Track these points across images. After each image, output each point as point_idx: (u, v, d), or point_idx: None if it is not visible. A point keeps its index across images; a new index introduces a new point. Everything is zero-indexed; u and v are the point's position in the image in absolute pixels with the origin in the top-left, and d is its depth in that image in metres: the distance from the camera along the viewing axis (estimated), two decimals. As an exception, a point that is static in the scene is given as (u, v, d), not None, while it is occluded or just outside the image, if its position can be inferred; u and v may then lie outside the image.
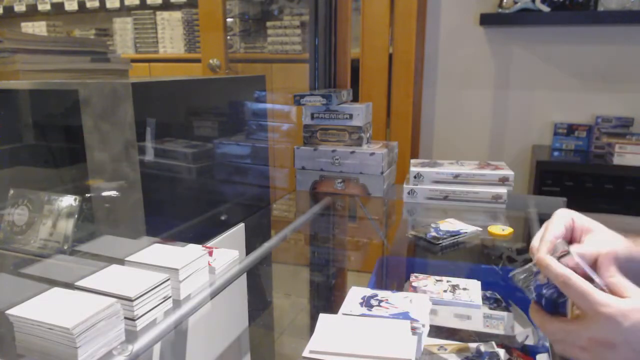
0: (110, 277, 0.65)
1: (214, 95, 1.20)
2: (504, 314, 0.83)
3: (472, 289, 0.81)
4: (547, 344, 0.76)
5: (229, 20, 2.71)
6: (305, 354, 0.54)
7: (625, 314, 0.47)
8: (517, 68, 2.33)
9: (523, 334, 0.82)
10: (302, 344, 0.55)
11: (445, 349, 0.69)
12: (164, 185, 1.01)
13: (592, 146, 2.21)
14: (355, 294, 0.69)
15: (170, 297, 0.66)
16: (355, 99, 1.69)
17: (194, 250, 0.74)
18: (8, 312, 0.55)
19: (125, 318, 0.59)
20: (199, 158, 1.08)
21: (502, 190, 1.16)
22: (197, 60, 2.72)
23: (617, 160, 1.97)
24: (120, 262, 0.70)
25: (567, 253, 0.52)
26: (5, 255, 0.92)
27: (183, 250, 0.74)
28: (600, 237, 0.59)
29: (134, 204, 0.92)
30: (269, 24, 2.68)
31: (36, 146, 1.19)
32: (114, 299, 0.58)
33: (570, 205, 1.21)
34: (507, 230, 1.05)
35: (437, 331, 0.78)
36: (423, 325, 0.61)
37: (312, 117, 1.29)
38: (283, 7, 2.76)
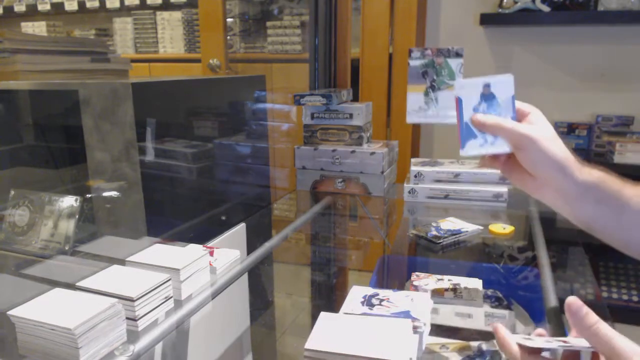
0: (111, 278, 0.65)
1: (214, 95, 1.20)
2: (506, 312, 0.83)
3: (473, 288, 0.82)
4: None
5: (229, 20, 2.71)
6: (308, 347, 0.54)
7: None
8: (517, 68, 2.32)
9: (524, 332, 0.82)
10: (304, 343, 0.55)
11: (447, 348, 0.69)
12: (165, 185, 1.01)
13: (592, 145, 2.20)
14: (356, 293, 0.69)
15: (171, 297, 0.66)
16: (355, 98, 1.69)
17: (195, 250, 0.74)
18: (10, 312, 0.55)
19: (127, 318, 0.59)
20: (199, 158, 1.08)
21: (503, 188, 1.16)
22: (197, 60, 2.72)
23: (617, 159, 1.97)
24: (121, 262, 0.70)
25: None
26: (7, 256, 0.92)
27: (184, 250, 0.74)
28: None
29: (134, 204, 0.92)
30: (269, 24, 2.68)
31: (36, 146, 1.19)
32: (116, 300, 0.58)
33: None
34: (508, 228, 1.05)
35: (438, 330, 0.78)
36: (424, 324, 0.61)
37: (312, 117, 1.29)
38: (283, 7, 2.76)
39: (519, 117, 0.67)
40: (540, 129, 0.63)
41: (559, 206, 0.66)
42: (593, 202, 0.63)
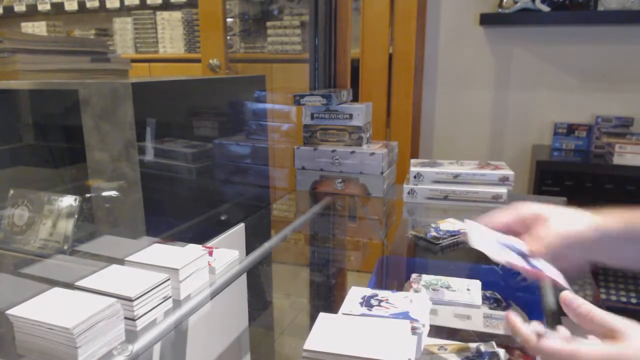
0: (110, 277, 0.65)
1: (214, 95, 1.20)
2: (504, 313, 0.83)
3: (472, 289, 0.81)
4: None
5: (229, 20, 2.71)
6: (306, 348, 0.54)
7: None
8: (517, 68, 2.33)
9: (523, 333, 0.82)
10: (303, 344, 0.55)
11: (445, 349, 0.69)
12: (164, 185, 1.01)
13: (592, 146, 2.20)
14: (355, 294, 0.69)
15: (170, 297, 0.66)
16: (355, 99, 1.69)
17: (194, 250, 0.74)
18: (8, 312, 0.55)
19: (125, 318, 0.59)
20: (199, 158, 1.08)
21: (502, 190, 1.16)
22: (197, 60, 2.72)
23: (617, 160, 1.97)
24: (120, 262, 0.70)
25: None
26: (6, 255, 0.92)
27: (183, 250, 0.74)
28: (554, 222, 0.64)
29: (134, 204, 0.92)
30: (269, 24, 2.69)
31: (36, 146, 1.19)
32: (114, 299, 0.58)
33: (570, 205, 1.21)
34: (507, 230, 1.05)
35: (437, 331, 0.78)
36: (423, 325, 0.61)
37: (312, 117, 1.29)
38: (283, 7, 2.76)
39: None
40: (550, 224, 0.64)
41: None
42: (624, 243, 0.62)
